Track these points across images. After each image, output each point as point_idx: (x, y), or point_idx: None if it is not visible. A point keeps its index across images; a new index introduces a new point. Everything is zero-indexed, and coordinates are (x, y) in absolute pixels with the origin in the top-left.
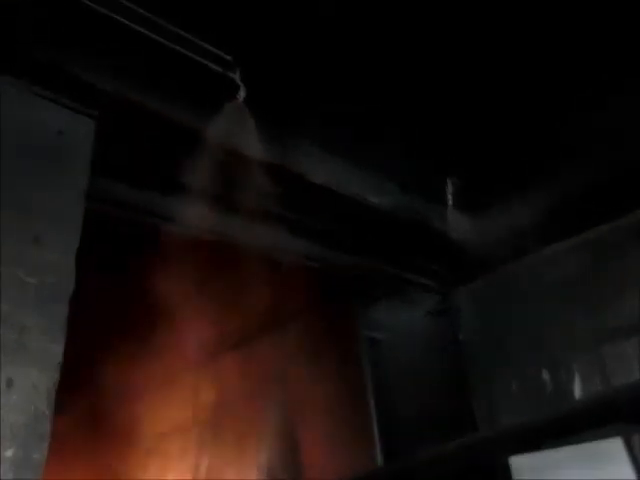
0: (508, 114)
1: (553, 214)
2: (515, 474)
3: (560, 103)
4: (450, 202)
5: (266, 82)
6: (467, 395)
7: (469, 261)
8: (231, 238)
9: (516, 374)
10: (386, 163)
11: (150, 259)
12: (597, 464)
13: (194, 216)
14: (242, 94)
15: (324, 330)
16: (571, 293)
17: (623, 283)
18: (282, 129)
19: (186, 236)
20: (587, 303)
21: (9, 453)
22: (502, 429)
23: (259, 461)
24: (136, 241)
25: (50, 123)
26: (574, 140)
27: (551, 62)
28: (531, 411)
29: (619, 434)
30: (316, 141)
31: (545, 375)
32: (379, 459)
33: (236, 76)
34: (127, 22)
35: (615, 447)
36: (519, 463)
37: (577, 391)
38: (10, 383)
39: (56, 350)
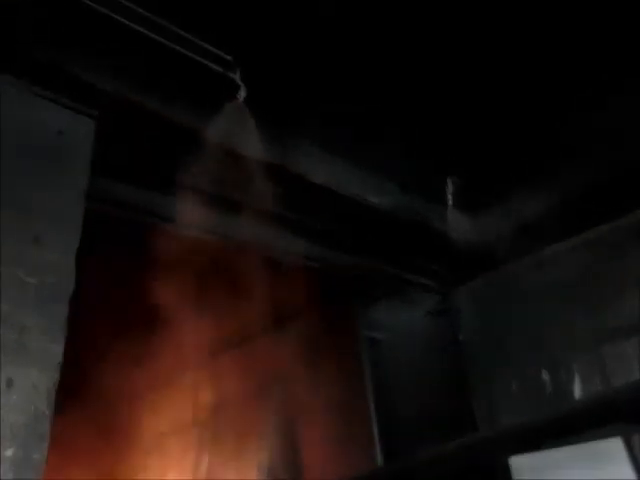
0: (508, 114)
1: (553, 214)
2: (515, 474)
3: (560, 103)
4: (450, 202)
5: (266, 82)
6: (467, 395)
7: (469, 261)
8: (231, 238)
9: (516, 374)
10: (386, 163)
11: (150, 259)
12: (597, 464)
13: (194, 216)
14: (242, 94)
15: (324, 330)
16: (571, 293)
17: (623, 283)
18: (282, 129)
19: (186, 236)
20: (587, 303)
21: (9, 453)
22: (502, 429)
23: (259, 461)
24: (136, 241)
25: (50, 123)
26: (574, 140)
27: (551, 62)
28: (531, 411)
29: (619, 434)
30: (316, 141)
31: (545, 375)
32: (379, 459)
33: (236, 76)
34: (127, 22)
35: (615, 447)
36: (519, 463)
37: (577, 391)
38: (10, 383)
39: (56, 350)
